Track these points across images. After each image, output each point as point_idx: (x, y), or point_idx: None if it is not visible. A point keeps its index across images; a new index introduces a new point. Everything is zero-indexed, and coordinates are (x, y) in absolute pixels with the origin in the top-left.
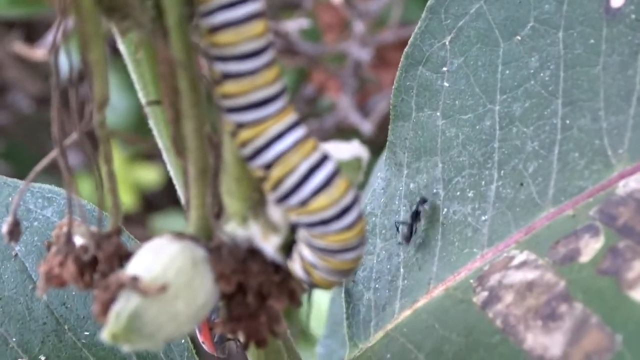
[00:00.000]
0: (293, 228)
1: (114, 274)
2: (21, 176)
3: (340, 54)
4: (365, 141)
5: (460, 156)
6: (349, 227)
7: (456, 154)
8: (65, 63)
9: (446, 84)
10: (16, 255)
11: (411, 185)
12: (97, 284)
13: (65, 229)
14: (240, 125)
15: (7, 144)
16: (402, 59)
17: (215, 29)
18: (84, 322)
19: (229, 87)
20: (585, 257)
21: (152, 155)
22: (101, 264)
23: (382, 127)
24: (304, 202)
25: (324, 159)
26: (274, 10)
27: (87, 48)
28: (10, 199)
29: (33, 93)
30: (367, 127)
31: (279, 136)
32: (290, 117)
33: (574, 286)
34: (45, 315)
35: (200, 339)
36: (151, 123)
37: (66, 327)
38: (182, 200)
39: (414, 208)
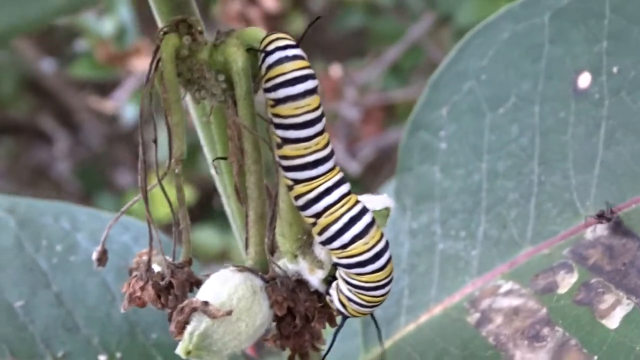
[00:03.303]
0: (334, 265)
1: (187, 299)
2: (89, 192)
3: (335, 111)
4: (353, 180)
5: (455, 203)
6: (381, 269)
7: (451, 201)
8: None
9: (443, 145)
10: (98, 272)
11: (414, 225)
12: (171, 305)
13: (145, 258)
14: (296, 181)
15: (80, 169)
16: (407, 124)
17: (278, 102)
18: (152, 326)
19: (288, 150)
20: (562, 289)
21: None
22: (175, 288)
23: (366, 168)
24: (344, 246)
25: (363, 211)
26: None
27: (169, 113)
28: (93, 227)
29: (100, 133)
30: (354, 167)
31: (327, 191)
32: (337, 175)
33: (554, 313)
34: (121, 320)
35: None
36: (214, 173)
37: (137, 330)
38: (238, 239)
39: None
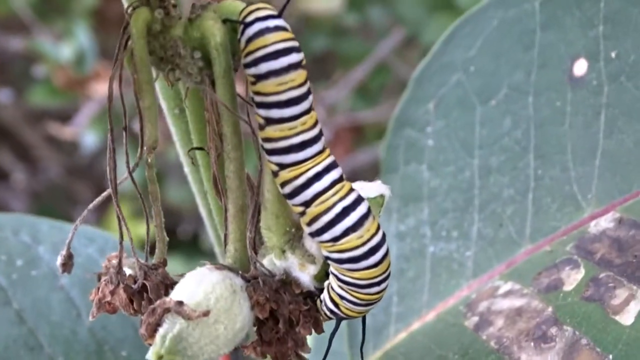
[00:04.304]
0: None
1: (160, 299)
2: None
3: None
4: None
5: (445, 202)
6: (376, 264)
7: (440, 200)
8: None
9: (430, 142)
10: (62, 287)
11: (401, 227)
12: (145, 311)
13: (115, 261)
14: (281, 166)
15: (38, 205)
16: (390, 122)
17: (260, 78)
18: (122, 343)
19: (271, 131)
20: (568, 286)
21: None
22: (149, 291)
23: None
24: (335, 239)
25: (358, 201)
26: None
27: (140, 95)
28: (55, 240)
29: (59, 165)
30: None
31: (317, 177)
32: (328, 159)
33: (561, 311)
34: (87, 338)
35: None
36: (187, 170)
37: (106, 348)
38: (212, 237)
39: None
